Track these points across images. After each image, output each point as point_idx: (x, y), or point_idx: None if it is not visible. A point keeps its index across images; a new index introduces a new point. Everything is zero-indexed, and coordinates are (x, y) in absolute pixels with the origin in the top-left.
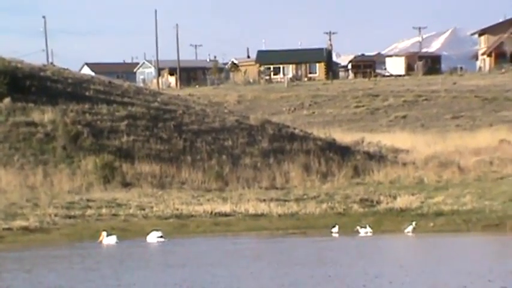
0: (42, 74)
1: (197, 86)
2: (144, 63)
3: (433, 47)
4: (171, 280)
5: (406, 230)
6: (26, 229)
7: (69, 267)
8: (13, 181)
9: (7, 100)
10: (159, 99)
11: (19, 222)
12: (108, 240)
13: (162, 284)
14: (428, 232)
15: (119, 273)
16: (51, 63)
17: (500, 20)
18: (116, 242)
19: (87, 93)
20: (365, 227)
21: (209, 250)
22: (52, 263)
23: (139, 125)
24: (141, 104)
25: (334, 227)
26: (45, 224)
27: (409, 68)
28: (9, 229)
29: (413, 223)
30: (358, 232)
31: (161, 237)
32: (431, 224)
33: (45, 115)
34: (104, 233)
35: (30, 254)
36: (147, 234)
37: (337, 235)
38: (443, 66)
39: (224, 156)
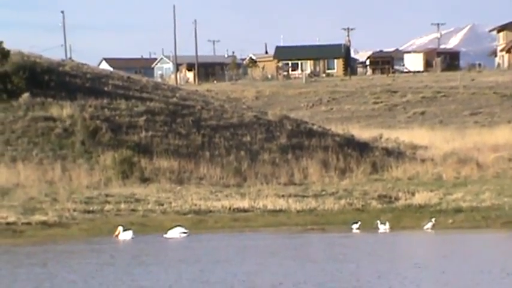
0: (61, 69)
1: (215, 82)
2: (162, 58)
3: (451, 44)
4: (184, 276)
5: (425, 227)
6: (44, 224)
7: (83, 262)
8: (32, 176)
9: (26, 95)
10: (177, 95)
11: (38, 217)
12: (124, 235)
13: (174, 280)
14: (448, 229)
15: (132, 268)
16: (70, 58)
17: None
18: (132, 237)
19: (105, 89)
20: (384, 224)
21: (227, 245)
22: (67, 258)
23: (158, 121)
24: (159, 99)
25: (355, 223)
26: (64, 218)
27: (428, 65)
28: (28, 223)
29: (433, 220)
30: (377, 228)
31: (185, 232)
32: (451, 221)
33: (64, 110)
34: (120, 228)
35: (46, 249)
36: (168, 229)
37: (357, 231)
38: (462, 62)
39: (242, 152)
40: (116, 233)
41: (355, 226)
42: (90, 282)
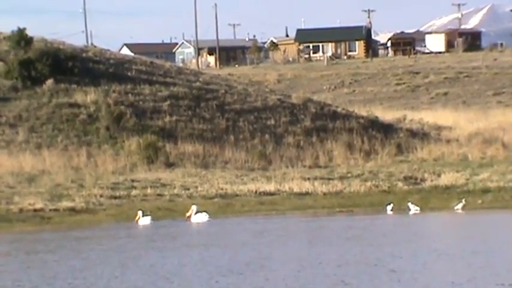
0: (84, 55)
1: (236, 66)
2: (183, 43)
3: (471, 24)
4: (194, 260)
5: (455, 207)
6: (72, 210)
7: (96, 247)
8: (57, 162)
9: (50, 81)
10: (201, 79)
11: (65, 203)
12: (143, 220)
13: (182, 265)
14: (478, 209)
15: (145, 253)
16: (92, 44)
17: None
18: (150, 222)
19: (129, 74)
20: (415, 205)
21: (259, 228)
22: (79, 244)
23: (182, 105)
24: (183, 84)
25: (388, 204)
26: (91, 204)
27: (449, 45)
28: (56, 210)
29: (463, 200)
30: (408, 209)
31: (206, 216)
32: (480, 201)
33: (88, 96)
34: (140, 213)
35: (64, 235)
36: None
37: (391, 213)
38: (483, 42)
39: (267, 136)
40: (136, 218)
41: (389, 208)
42: (90, 267)
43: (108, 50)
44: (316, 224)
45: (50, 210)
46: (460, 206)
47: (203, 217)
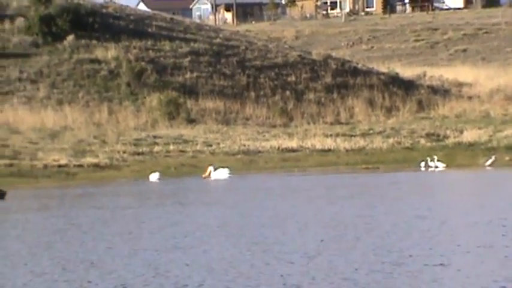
0: (104, 11)
1: (253, 22)
2: None
3: None
4: (186, 219)
5: (486, 164)
6: (96, 166)
7: (99, 206)
8: (79, 118)
9: (71, 37)
10: (221, 35)
11: (89, 159)
12: (152, 177)
13: (175, 223)
14: (506, 166)
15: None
16: (111, 0)
17: None
18: (158, 179)
19: (149, 30)
20: (440, 161)
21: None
22: (78, 201)
23: (202, 61)
24: (203, 40)
25: (422, 161)
26: (115, 161)
27: (467, 1)
28: (80, 166)
29: (493, 157)
30: (432, 166)
31: (228, 173)
32: (507, 158)
33: (109, 52)
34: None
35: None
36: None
37: (423, 169)
38: None
39: (288, 92)
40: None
41: (422, 164)
42: (89, 224)
43: (128, 6)
44: (359, 180)
45: (74, 166)
46: (489, 162)
47: (224, 173)
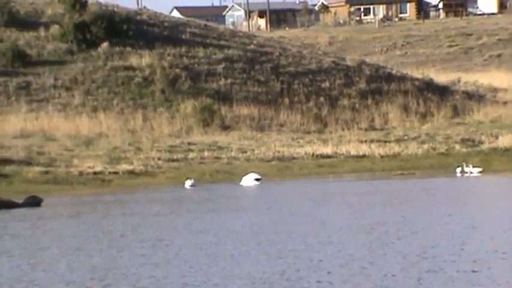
0: (138, 18)
1: (287, 29)
2: (233, 6)
3: None
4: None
5: None
6: (131, 173)
7: (119, 213)
8: (113, 125)
9: (105, 44)
10: (254, 42)
11: (124, 166)
12: (187, 183)
13: (197, 231)
14: None
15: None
16: (144, 7)
17: None
18: (191, 186)
19: (183, 37)
20: (476, 166)
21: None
22: (101, 208)
23: (236, 68)
24: (237, 46)
25: (458, 166)
26: (150, 167)
27: (502, 6)
28: (115, 173)
29: None
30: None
31: (258, 179)
32: None
33: (143, 59)
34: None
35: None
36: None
37: (459, 175)
38: None
39: (322, 98)
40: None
41: (458, 170)
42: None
43: (162, 13)
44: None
45: (110, 173)
46: None
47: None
